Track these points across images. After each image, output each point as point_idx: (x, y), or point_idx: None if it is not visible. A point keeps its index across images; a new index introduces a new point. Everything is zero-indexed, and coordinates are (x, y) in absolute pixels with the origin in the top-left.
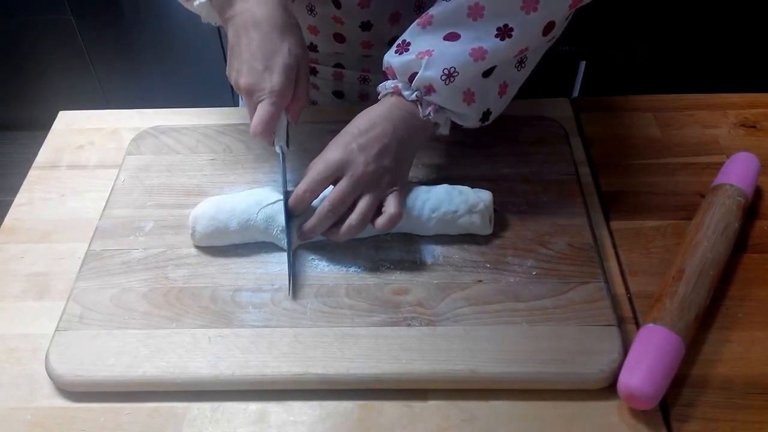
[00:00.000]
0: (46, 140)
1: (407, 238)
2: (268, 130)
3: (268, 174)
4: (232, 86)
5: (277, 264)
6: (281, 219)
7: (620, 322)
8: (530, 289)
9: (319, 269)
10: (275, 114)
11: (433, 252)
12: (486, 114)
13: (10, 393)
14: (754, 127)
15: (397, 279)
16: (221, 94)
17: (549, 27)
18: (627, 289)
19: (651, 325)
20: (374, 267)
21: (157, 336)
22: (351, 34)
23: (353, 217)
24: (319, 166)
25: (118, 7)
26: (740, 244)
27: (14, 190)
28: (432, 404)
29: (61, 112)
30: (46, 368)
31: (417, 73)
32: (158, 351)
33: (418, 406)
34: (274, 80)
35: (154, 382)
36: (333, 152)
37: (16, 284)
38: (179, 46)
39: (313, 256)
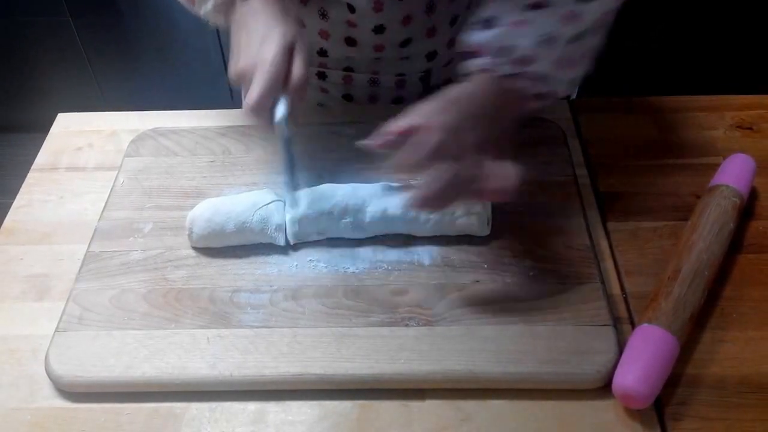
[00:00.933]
0: (45, 142)
1: (405, 239)
2: (260, 105)
3: (267, 176)
4: (231, 88)
5: (275, 265)
6: (276, 219)
7: (616, 322)
8: (527, 289)
9: (317, 270)
10: (267, 87)
11: (431, 253)
12: (574, 80)
13: (10, 393)
14: (750, 128)
15: (395, 280)
16: (220, 96)
17: None
18: (623, 289)
19: (646, 324)
20: (372, 268)
21: (156, 337)
22: (363, 38)
23: (471, 176)
24: (438, 123)
25: (116, 9)
26: (735, 244)
27: (13, 192)
28: (430, 404)
29: (59, 115)
30: (45, 369)
31: (510, 46)
32: (157, 351)
33: (416, 405)
34: (266, 54)
35: (153, 383)
36: (445, 116)
37: (15, 285)
38: (178, 48)
39: (311, 257)
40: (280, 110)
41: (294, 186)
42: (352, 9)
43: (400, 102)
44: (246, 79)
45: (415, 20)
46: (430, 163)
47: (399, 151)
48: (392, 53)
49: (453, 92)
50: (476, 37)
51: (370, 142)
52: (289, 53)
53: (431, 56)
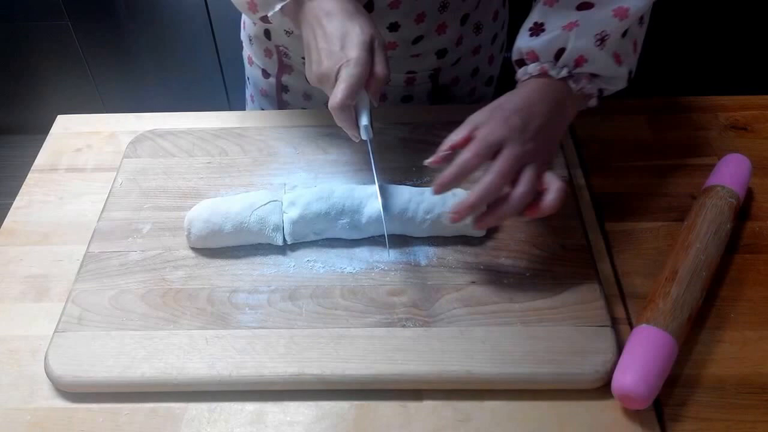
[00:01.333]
0: (44, 144)
1: (401, 239)
2: (346, 103)
3: (263, 176)
4: (227, 90)
5: (273, 266)
6: (273, 219)
7: (614, 322)
8: (524, 290)
9: (314, 271)
10: (354, 85)
11: (427, 253)
12: (630, 74)
13: (10, 394)
14: (745, 129)
15: (392, 280)
16: (217, 97)
17: None
18: (620, 289)
19: (644, 325)
20: (369, 268)
21: (155, 337)
22: None
23: (521, 187)
24: (486, 135)
25: (114, 12)
26: (732, 245)
27: (13, 193)
28: (427, 404)
29: (59, 116)
30: (45, 369)
31: (564, 48)
32: (156, 352)
33: (413, 406)
34: (350, 54)
35: (152, 383)
36: (495, 125)
37: (15, 286)
38: (175, 50)
39: (308, 258)
40: (364, 114)
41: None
42: (370, 6)
43: (408, 100)
44: (329, 80)
45: (429, 18)
46: (488, 177)
47: (455, 164)
48: (404, 51)
49: (511, 100)
50: (529, 42)
51: (433, 159)
52: (371, 51)
53: (441, 54)
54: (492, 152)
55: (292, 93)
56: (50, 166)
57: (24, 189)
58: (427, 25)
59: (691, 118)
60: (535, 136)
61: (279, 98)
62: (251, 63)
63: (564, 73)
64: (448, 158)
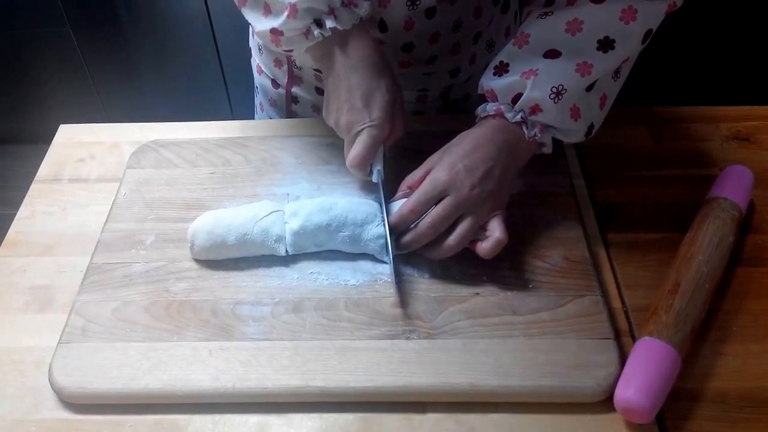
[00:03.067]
0: (47, 154)
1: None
2: (365, 162)
3: (266, 187)
4: (230, 100)
5: (276, 278)
6: (276, 230)
7: (617, 335)
8: (527, 302)
9: (318, 283)
10: (374, 148)
11: (431, 265)
12: (590, 128)
13: (15, 405)
14: (747, 140)
15: (396, 292)
16: (220, 107)
17: (647, 35)
18: (623, 302)
19: (647, 338)
20: (373, 280)
21: (158, 349)
22: (391, 56)
23: (452, 239)
24: (426, 186)
25: (116, 19)
26: (734, 257)
27: (16, 203)
28: (431, 417)
29: (61, 126)
30: (49, 381)
31: (521, 94)
32: (160, 364)
33: (417, 418)
34: (374, 115)
35: (156, 395)
36: (439, 173)
37: (19, 297)
38: (178, 59)
39: (312, 270)
40: (378, 162)
41: (388, 220)
42: (384, 27)
43: (418, 114)
44: (348, 134)
45: (443, 38)
46: (423, 223)
47: (404, 207)
48: (417, 69)
49: (461, 144)
50: (490, 82)
51: (394, 198)
52: (392, 114)
53: (454, 73)
54: (432, 203)
55: (301, 104)
56: (53, 176)
57: (27, 200)
58: (441, 45)
59: (693, 129)
60: (480, 182)
61: (288, 109)
62: (260, 72)
63: (518, 117)
64: (407, 196)
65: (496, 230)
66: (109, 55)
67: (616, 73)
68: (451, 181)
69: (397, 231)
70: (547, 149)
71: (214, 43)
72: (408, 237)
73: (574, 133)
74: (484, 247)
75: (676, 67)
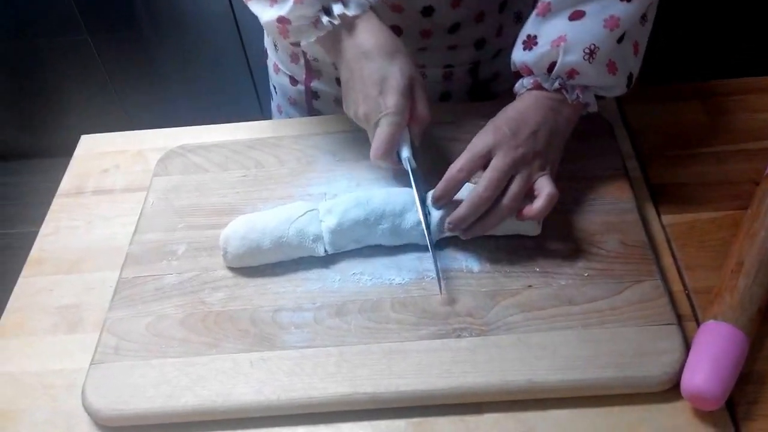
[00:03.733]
0: (69, 166)
1: (451, 245)
2: (388, 152)
3: (302, 187)
4: (259, 98)
5: (317, 281)
6: (312, 229)
7: (679, 320)
8: (583, 291)
9: (361, 284)
10: (393, 135)
11: (480, 258)
12: (629, 78)
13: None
14: None
15: (444, 289)
16: (249, 107)
17: None
18: (684, 285)
19: (712, 321)
20: (419, 278)
21: (196, 363)
22: (410, 23)
23: (506, 200)
24: (473, 146)
25: (135, 24)
26: None
27: (39, 220)
28: (488, 417)
29: (83, 136)
30: (82, 404)
31: (556, 62)
32: (199, 379)
33: (473, 420)
34: (389, 102)
35: (196, 412)
36: (485, 135)
37: (46, 318)
38: (201, 60)
39: (354, 271)
40: (405, 146)
41: (426, 215)
42: None
43: (447, 98)
44: (368, 124)
45: (465, 2)
46: (477, 190)
47: (444, 178)
48: (439, 41)
49: (504, 112)
50: (522, 57)
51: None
52: (409, 94)
53: (479, 44)
54: (480, 162)
55: (323, 100)
56: (76, 189)
57: (50, 215)
58: (463, 11)
59: (747, 100)
60: (525, 142)
61: (309, 107)
62: (277, 71)
63: (557, 84)
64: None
65: (546, 187)
66: (130, 61)
67: (643, 18)
68: (497, 141)
69: (445, 202)
70: (592, 108)
71: (239, 38)
72: (461, 210)
73: (615, 88)
74: (535, 206)
75: (725, 39)
